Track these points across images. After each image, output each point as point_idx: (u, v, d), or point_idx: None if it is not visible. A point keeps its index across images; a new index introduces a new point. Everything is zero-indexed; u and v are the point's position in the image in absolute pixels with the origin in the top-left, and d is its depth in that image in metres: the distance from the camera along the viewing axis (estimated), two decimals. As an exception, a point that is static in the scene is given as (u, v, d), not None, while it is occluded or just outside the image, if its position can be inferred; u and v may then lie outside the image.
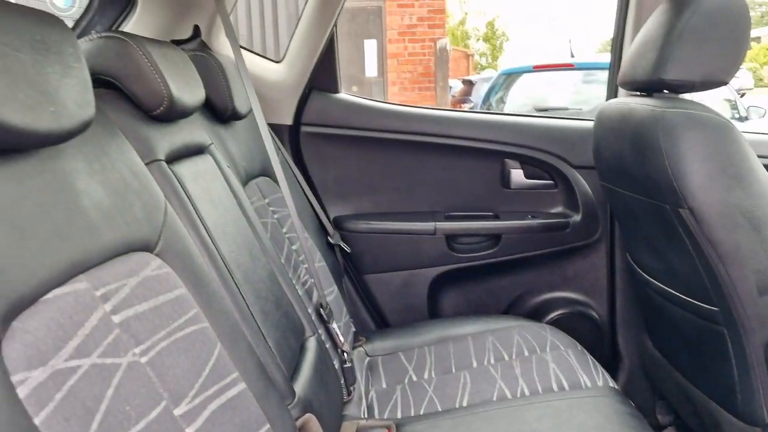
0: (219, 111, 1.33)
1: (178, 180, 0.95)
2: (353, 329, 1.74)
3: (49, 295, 0.58)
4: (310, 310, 1.36)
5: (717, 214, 1.17)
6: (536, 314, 1.95)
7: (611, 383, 1.37)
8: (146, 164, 0.88)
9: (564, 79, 6.44)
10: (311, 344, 1.22)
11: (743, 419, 1.29)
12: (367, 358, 1.70)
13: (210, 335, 0.82)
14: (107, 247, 0.69)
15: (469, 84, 10.91)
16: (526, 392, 1.35)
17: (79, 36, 0.96)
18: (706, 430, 1.48)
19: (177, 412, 0.68)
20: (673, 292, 1.41)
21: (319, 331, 1.35)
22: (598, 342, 1.93)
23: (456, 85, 11.71)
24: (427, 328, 1.78)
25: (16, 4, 0.61)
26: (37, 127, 0.58)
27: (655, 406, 1.89)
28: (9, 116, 0.54)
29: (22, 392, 0.49)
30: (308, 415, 1.00)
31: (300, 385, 1.05)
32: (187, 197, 0.95)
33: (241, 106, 1.39)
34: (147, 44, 0.95)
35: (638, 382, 1.90)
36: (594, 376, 1.38)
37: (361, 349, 1.73)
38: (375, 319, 1.96)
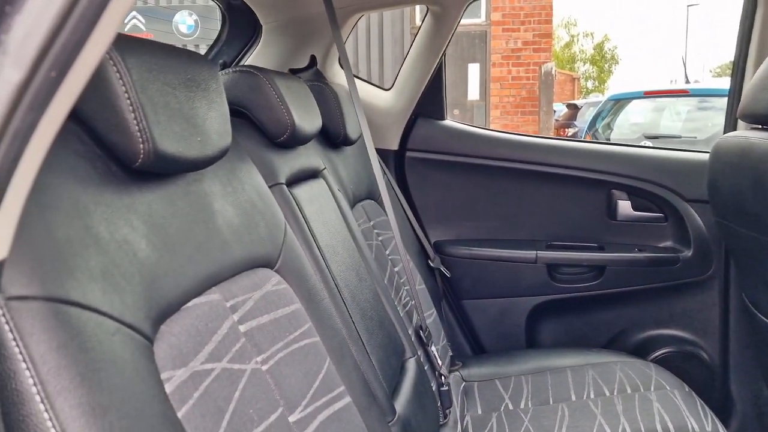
0: (332, 137, 1.40)
1: (296, 202, 1.02)
2: (450, 353, 1.75)
3: (190, 304, 0.65)
4: (410, 332, 1.39)
5: None
6: (640, 351, 1.88)
7: (721, 429, 1.30)
8: (270, 187, 0.96)
9: (677, 106, 6.15)
10: (411, 365, 1.26)
11: None
12: (463, 383, 1.71)
13: (321, 349, 0.87)
14: (236, 262, 0.76)
15: (574, 108, 10.66)
16: (628, 431, 1.31)
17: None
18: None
19: (291, 418, 0.73)
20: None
21: (419, 353, 1.38)
22: (708, 385, 1.83)
23: (560, 109, 11.49)
24: (524, 356, 1.77)
25: (174, 47, 0.70)
26: (187, 155, 0.66)
27: (771, 459, 1.76)
28: (167, 146, 0.62)
29: (168, 389, 0.55)
30: (407, 434, 1.03)
31: (400, 403, 1.09)
32: (303, 218, 1.02)
33: (352, 132, 1.47)
34: (275, 77, 1.03)
35: (753, 430, 1.78)
36: (702, 421, 1.32)
37: (457, 373, 1.74)
38: (471, 345, 1.96)
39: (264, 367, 0.73)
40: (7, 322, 0.40)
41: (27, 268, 0.43)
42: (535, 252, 1.89)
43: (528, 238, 1.94)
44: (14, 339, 0.40)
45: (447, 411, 1.45)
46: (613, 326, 1.92)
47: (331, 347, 0.90)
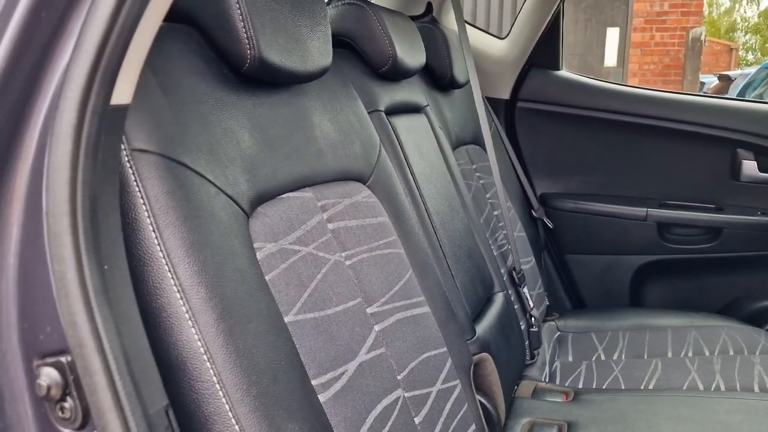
0: (438, 77, 1.45)
1: (393, 129, 1.09)
2: (547, 302, 1.77)
3: (284, 196, 0.74)
4: (502, 271, 1.43)
5: None
6: (754, 321, 1.78)
7: (828, 396, 1.23)
8: (369, 112, 1.04)
9: None
10: (498, 298, 1.30)
11: None
12: (558, 333, 1.73)
13: (404, 261, 0.94)
14: (330, 170, 0.85)
15: (727, 80, 9.77)
16: (722, 387, 1.28)
17: (328, 3, 1.16)
18: None
19: (369, 310, 0.81)
20: None
21: (509, 292, 1.42)
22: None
23: (711, 81, 10.59)
24: (625, 313, 1.75)
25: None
26: (289, 66, 0.75)
27: None
28: (271, 55, 0.71)
29: (258, 256, 0.65)
30: (485, 354, 1.09)
31: (481, 327, 1.14)
32: (399, 144, 1.09)
33: (459, 75, 1.50)
34: (381, 11, 1.10)
35: None
36: (807, 386, 1.25)
37: (552, 323, 1.75)
38: (572, 299, 1.96)
39: (347, 262, 0.81)
40: (130, 167, 0.51)
41: (147, 128, 0.53)
42: (645, 209, 1.83)
43: (639, 196, 1.88)
44: (135, 180, 0.51)
45: (535, 352, 1.48)
46: (726, 293, 1.83)
47: (414, 261, 0.97)
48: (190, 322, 0.50)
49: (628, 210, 1.85)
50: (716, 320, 1.63)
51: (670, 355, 1.48)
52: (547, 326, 1.70)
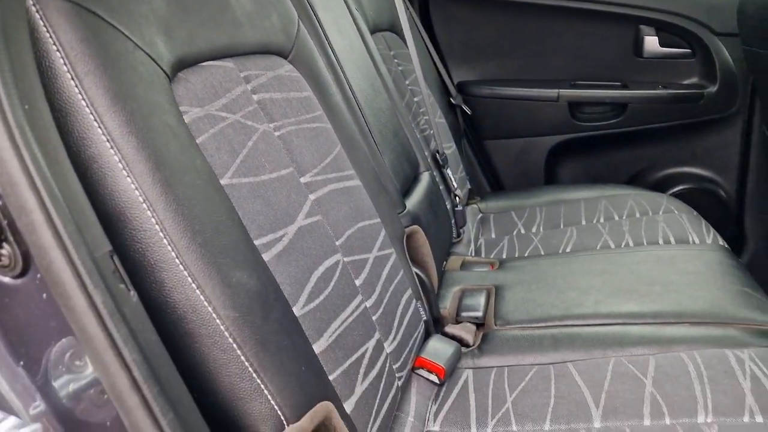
0: (350, -42, 1.40)
1: (310, 5, 1.06)
2: (468, 186, 1.83)
3: (205, 64, 0.71)
4: (426, 153, 1.46)
5: None
6: (657, 188, 1.92)
7: (721, 242, 1.36)
8: None
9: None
10: (425, 177, 1.33)
11: None
12: (480, 215, 1.80)
13: (332, 135, 0.94)
14: (249, 42, 0.82)
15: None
16: (631, 244, 1.38)
17: None
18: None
19: (302, 180, 0.81)
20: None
21: (434, 173, 1.45)
22: (722, 221, 1.87)
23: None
24: (541, 191, 1.84)
25: None
26: None
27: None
28: None
29: (186, 119, 0.63)
30: (416, 227, 1.12)
31: (411, 202, 1.17)
32: (318, 21, 1.06)
33: (371, -43, 1.46)
34: None
35: (762, 267, 1.85)
36: (704, 235, 1.38)
37: (474, 205, 1.82)
38: (491, 183, 2.03)
39: (276, 133, 0.80)
40: (37, 11, 0.47)
41: None
42: (557, 90, 1.89)
43: (552, 78, 1.94)
44: (45, 26, 0.47)
45: (461, 230, 1.54)
46: (632, 165, 1.95)
47: (342, 137, 0.97)
48: (124, 171, 0.49)
49: (540, 92, 1.91)
50: (624, 189, 1.75)
51: (583, 223, 1.58)
52: (469, 209, 1.76)
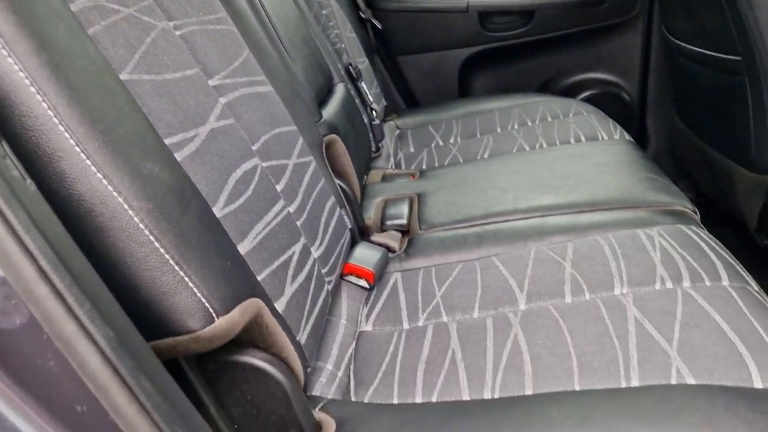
0: None
1: None
2: (384, 103, 1.81)
3: None
4: (339, 66, 1.42)
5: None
6: (568, 94, 1.97)
7: (627, 137, 1.42)
8: None
9: None
10: (340, 89, 1.30)
11: (755, 169, 1.34)
12: (398, 131, 1.79)
13: (239, 39, 0.89)
14: None
15: None
16: (544, 145, 1.42)
17: None
18: (722, 192, 1.55)
19: (211, 82, 0.77)
20: (702, 50, 1.41)
21: (348, 86, 1.42)
22: (627, 122, 1.95)
23: None
24: (456, 104, 1.84)
25: None
26: None
27: (678, 184, 1.95)
28: None
29: (72, 8, 0.56)
30: (334, 136, 1.10)
31: (327, 112, 1.14)
32: None
33: None
34: None
35: (663, 161, 1.95)
36: (611, 131, 1.43)
37: (391, 122, 1.81)
38: (406, 99, 2.02)
39: (177, 32, 0.74)
40: None
41: None
42: (466, 1, 1.88)
43: None
44: None
45: (380, 144, 1.53)
46: (542, 73, 1.99)
47: (249, 41, 0.92)
48: (4, 51, 0.43)
49: (449, 3, 1.88)
50: (536, 97, 1.78)
51: (498, 130, 1.60)
52: (386, 125, 1.75)
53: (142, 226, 0.47)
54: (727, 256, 0.87)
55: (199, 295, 0.50)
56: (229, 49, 0.85)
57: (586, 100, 1.95)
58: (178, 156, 0.61)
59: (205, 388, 0.57)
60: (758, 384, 0.63)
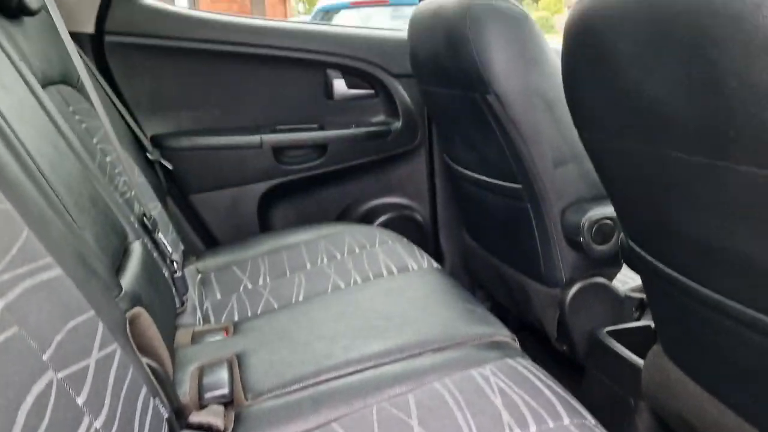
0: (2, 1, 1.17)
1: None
2: (182, 247, 1.68)
3: None
4: (132, 219, 1.28)
5: (518, 96, 1.29)
6: (366, 220, 2.03)
7: (435, 265, 1.47)
8: None
9: (380, 15, 6.56)
10: (137, 248, 1.16)
11: (546, 283, 1.47)
12: (199, 275, 1.66)
13: (14, 217, 0.74)
14: None
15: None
16: (359, 281, 1.41)
17: None
18: (518, 304, 1.67)
19: (-19, 285, 0.61)
20: (485, 178, 1.54)
21: (145, 240, 1.28)
22: (422, 242, 2.06)
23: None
24: (259, 241, 1.78)
25: None
26: None
27: (475, 294, 2.08)
28: None
29: None
30: (139, 308, 0.96)
31: (127, 280, 1.00)
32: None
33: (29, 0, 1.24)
34: None
35: (459, 276, 2.08)
36: (420, 260, 1.48)
37: (192, 267, 1.68)
38: (204, 240, 1.91)
39: (-69, 228, 0.59)
40: None
41: None
42: (260, 136, 1.87)
43: (253, 124, 1.91)
44: None
45: (184, 298, 1.39)
46: (339, 202, 2.03)
47: (28, 218, 0.77)
48: None
49: (243, 139, 1.86)
50: (337, 227, 1.79)
51: (308, 267, 1.57)
52: (187, 271, 1.61)
53: None
54: (559, 390, 0.91)
55: None
56: (5, 235, 0.70)
57: (384, 224, 2.02)
58: (-55, 408, 0.46)
59: None
60: None
